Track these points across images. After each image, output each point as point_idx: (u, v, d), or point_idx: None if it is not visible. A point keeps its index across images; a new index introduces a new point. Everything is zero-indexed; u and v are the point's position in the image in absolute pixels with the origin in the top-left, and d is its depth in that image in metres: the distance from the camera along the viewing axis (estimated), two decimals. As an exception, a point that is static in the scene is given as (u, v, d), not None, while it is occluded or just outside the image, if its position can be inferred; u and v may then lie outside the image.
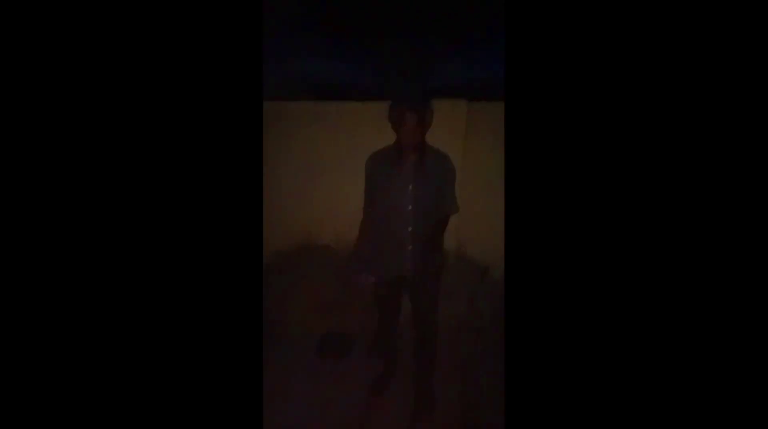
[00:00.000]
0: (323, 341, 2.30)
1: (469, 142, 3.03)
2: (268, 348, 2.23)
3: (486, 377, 2.03)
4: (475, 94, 2.98)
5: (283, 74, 3.41)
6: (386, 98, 1.57)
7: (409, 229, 1.62)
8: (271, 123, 3.05)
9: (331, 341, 2.30)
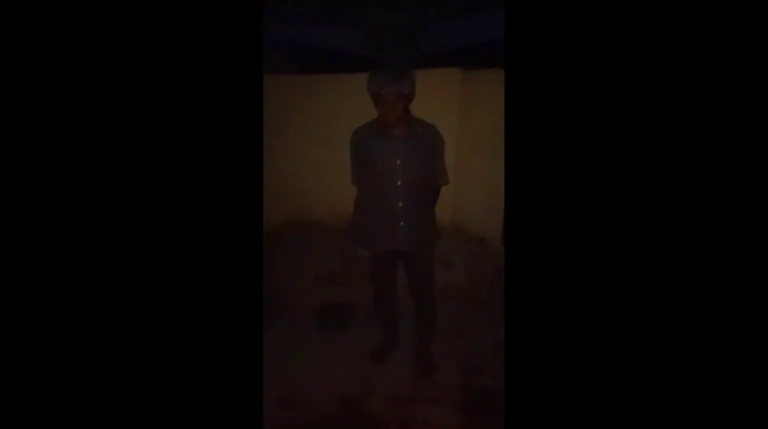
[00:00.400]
0: (323, 313, 2.33)
1: (464, 111, 2.98)
2: (267, 321, 2.27)
3: (485, 344, 2.07)
4: (470, 62, 2.91)
5: (281, 46, 3.32)
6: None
7: (400, 204, 1.60)
8: (267, 96, 3.00)
9: (331, 313, 2.33)
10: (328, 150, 3.01)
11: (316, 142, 3.17)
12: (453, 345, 2.08)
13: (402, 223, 1.63)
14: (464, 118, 2.99)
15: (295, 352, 2.06)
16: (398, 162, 1.54)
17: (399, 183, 1.57)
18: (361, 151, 1.60)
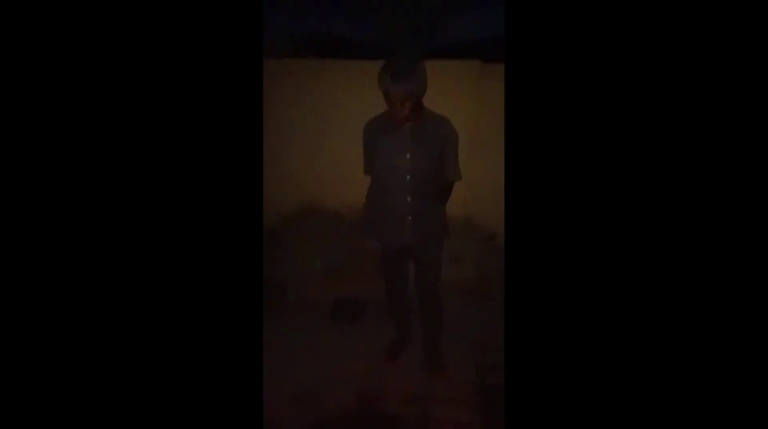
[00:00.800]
0: (335, 306, 2.32)
1: (481, 105, 2.93)
2: (277, 313, 2.27)
3: (496, 340, 2.06)
4: (489, 54, 2.85)
5: (287, 31, 3.28)
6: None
7: (408, 199, 1.57)
8: (276, 82, 2.96)
9: (343, 306, 2.32)
10: (340, 138, 2.98)
11: (328, 131, 3.13)
12: (464, 341, 2.06)
13: (410, 219, 1.61)
14: (480, 112, 2.94)
15: (307, 346, 2.05)
16: (408, 156, 1.52)
17: (408, 178, 1.54)
18: (371, 144, 1.58)
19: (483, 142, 2.94)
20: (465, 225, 3.11)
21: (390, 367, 1.95)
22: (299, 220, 3.29)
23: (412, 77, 1.37)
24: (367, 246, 1.78)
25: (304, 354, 2.00)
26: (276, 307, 2.31)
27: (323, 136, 3.16)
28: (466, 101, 2.91)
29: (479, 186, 3.00)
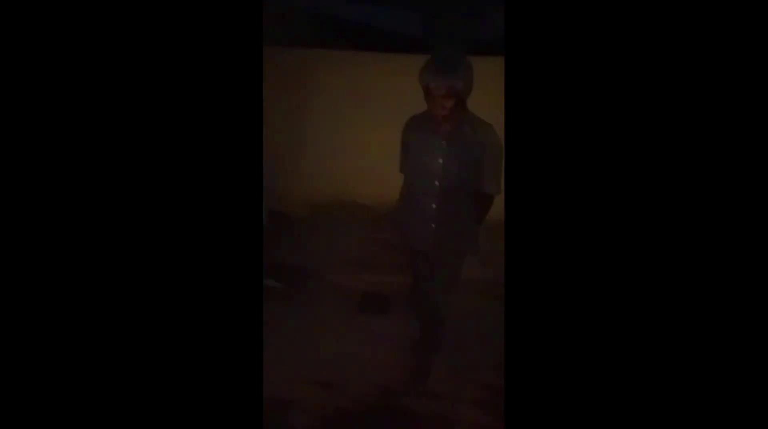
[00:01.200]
0: (363, 298, 2.32)
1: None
2: (304, 303, 2.31)
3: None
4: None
5: (317, 20, 3.27)
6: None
7: (434, 205, 1.49)
8: (310, 72, 2.98)
9: (371, 299, 2.32)
10: (374, 131, 2.97)
11: (362, 121, 3.12)
12: (490, 343, 2.03)
13: (433, 226, 1.54)
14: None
15: (331, 335, 2.07)
16: (440, 160, 1.45)
17: (437, 183, 1.47)
18: (407, 142, 1.54)
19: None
20: (497, 227, 3.05)
21: (410, 360, 1.92)
22: (329, 210, 3.30)
23: (454, 73, 1.31)
24: (393, 240, 1.77)
25: (327, 342, 2.00)
26: (301, 296, 2.35)
27: (356, 129, 3.16)
28: (494, 99, 2.84)
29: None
